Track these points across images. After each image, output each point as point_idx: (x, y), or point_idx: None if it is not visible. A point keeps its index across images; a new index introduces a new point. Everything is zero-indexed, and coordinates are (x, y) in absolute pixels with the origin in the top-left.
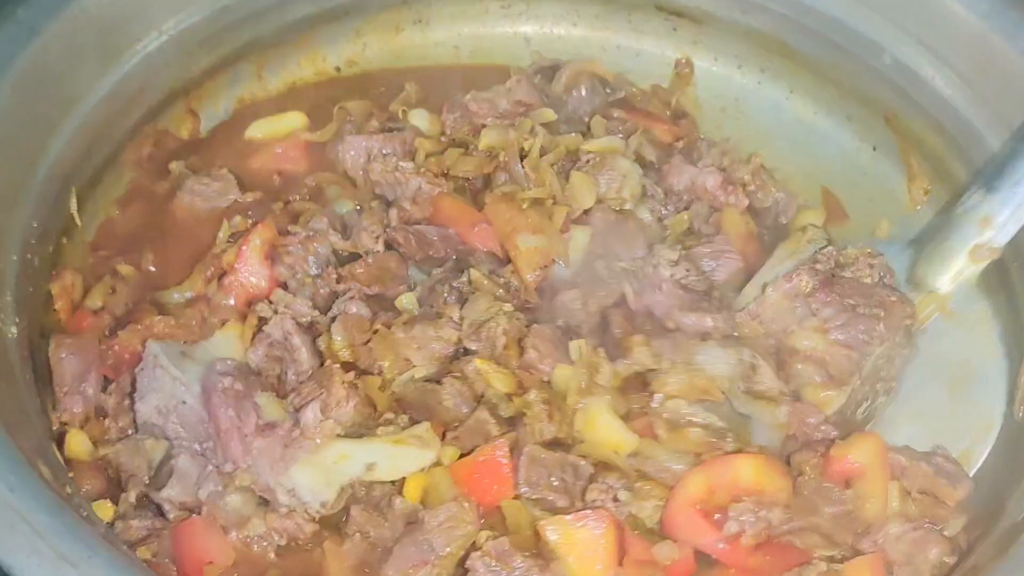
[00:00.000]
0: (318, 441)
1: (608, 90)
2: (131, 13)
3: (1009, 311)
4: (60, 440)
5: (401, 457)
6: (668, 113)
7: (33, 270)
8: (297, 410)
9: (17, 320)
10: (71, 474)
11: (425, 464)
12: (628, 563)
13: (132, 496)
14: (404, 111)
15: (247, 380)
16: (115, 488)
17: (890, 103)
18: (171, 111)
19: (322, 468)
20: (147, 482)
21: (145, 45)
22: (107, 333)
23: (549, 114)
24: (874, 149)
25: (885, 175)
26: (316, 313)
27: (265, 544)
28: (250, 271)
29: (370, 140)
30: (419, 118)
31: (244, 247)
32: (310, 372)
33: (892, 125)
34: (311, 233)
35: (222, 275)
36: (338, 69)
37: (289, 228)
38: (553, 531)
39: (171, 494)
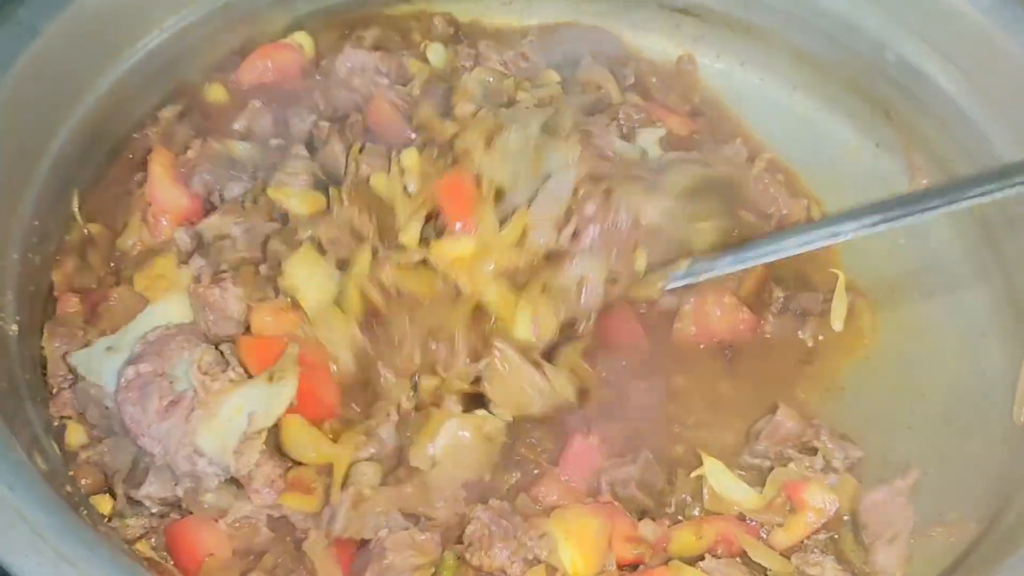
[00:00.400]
0: (209, 404)
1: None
2: (131, 11)
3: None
4: (60, 434)
5: (271, 397)
6: (687, 107)
7: (34, 268)
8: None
9: (18, 318)
10: (71, 472)
11: (288, 398)
12: (617, 540)
13: (121, 495)
14: (426, 44)
15: (163, 352)
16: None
17: (892, 99)
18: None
19: (220, 431)
20: (124, 480)
21: (146, 43)
22: (85, 318)
23: (553, 76)
24: (876, 146)
25: (887, 172)
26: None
27: (254, 521)
28: (166, 197)
29: (369, 56)
30: (434, 52)
31: (150, 177)
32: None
33: (894, 121)
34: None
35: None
36: None
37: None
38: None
39: (150, 491)
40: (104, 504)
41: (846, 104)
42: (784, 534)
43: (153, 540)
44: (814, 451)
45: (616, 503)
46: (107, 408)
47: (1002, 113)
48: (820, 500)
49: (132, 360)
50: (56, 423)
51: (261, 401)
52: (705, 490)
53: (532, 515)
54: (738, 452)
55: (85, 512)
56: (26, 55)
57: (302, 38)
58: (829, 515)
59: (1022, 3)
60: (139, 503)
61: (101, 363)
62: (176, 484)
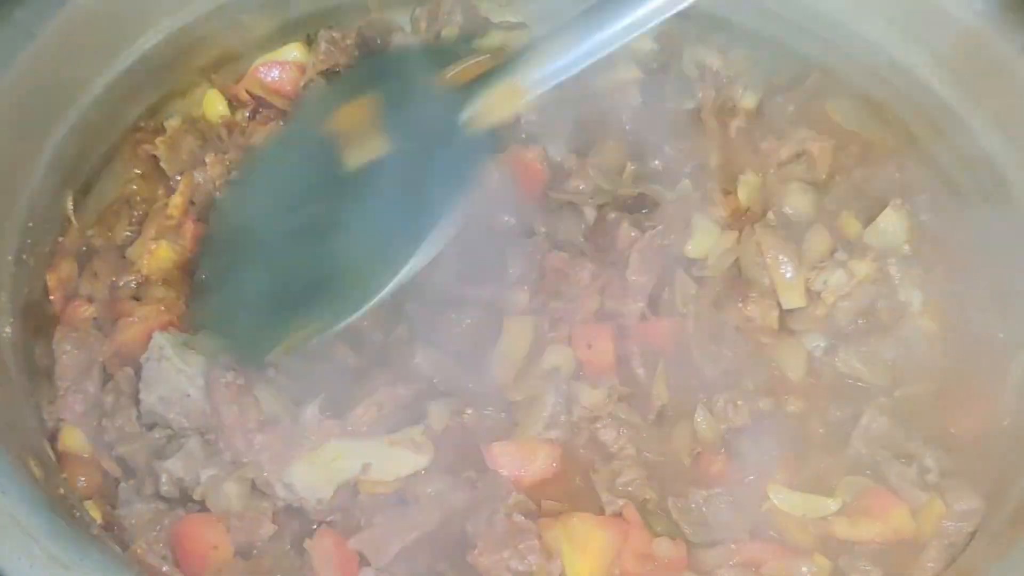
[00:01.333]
0: (315, 440)
1: None
2: (128, 13)
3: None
4: (52, 436)
5: (395, 459)
6: None
7: (28, 270)
8: (297, 404)
9: (11, 320)
10: (64, 474)
11: (419, 468)
12: (627, 554)
13: (142, 484)
14: None
15: (249, 372)
16: (110, 483)
17: (886, 102)
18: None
19: (320, 466)
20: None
21: (141, 44)
22: (97, 325)
23: None
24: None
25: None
26: None
27: (259, 515)
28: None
29: None
30: None
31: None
32: None
33: (889, 124)
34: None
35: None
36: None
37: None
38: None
39: (173, 467)
40: (96, 511)
41: (840, 106)
42: (848, 527)
43: (153, 535)
44: (909, 457)
45: (635, 517)
46: (187, 396)
47: (996, 117)
48: (900, 524)
49: (229, 365)
50: (51, 425)
51: (380, 457)
52: (778, 523)
53: (545, 515)
54: None
55: (79, 515)
56: (22, 57)
57: (296, 49)
58: (897, 539)
59: (1016, 9)
60: (148, 495)
61: (184, 354)
62: (203, 469)
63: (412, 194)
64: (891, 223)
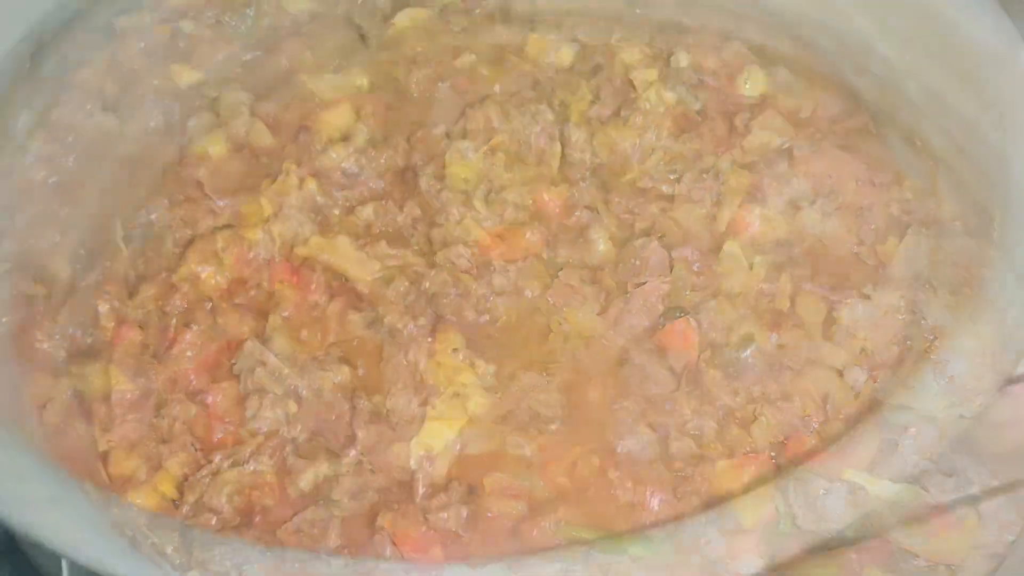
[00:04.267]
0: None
1: None
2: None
3: None
4: (104, 458)
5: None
6: None
7: (80, 296)
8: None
9: (66, 344)
10: (117, 495)
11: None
12: None
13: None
14: None
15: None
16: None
17: (915, 126)
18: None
19: (423, 446)
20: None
21: (187, 78)
22: (152, 352)
23: None
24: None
25: (912, 196)
26: None
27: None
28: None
29: None
30: None
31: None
32: None
33: (917, 147)
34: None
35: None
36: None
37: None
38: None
39: (264, 415)
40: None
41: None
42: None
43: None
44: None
45: None
46: (302, 397)
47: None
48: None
49: (322, 366)
50: (103, 449)
51: (473, 435)
52: None
53: None
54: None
55: (131, 535)
56: None
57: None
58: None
59: None
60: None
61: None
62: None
63: None
64: (911, 248)
